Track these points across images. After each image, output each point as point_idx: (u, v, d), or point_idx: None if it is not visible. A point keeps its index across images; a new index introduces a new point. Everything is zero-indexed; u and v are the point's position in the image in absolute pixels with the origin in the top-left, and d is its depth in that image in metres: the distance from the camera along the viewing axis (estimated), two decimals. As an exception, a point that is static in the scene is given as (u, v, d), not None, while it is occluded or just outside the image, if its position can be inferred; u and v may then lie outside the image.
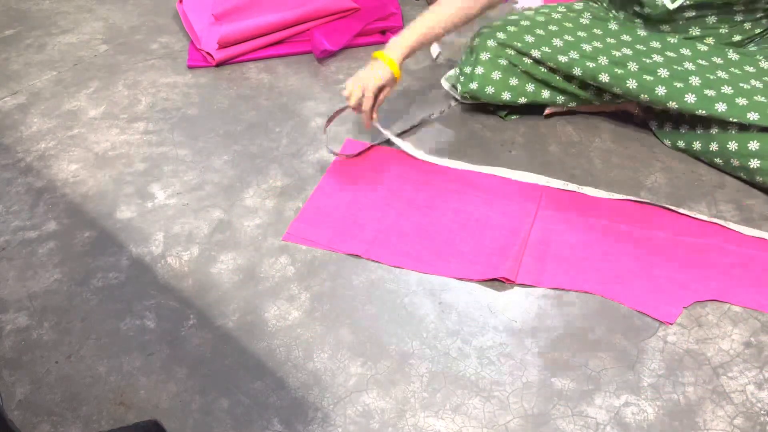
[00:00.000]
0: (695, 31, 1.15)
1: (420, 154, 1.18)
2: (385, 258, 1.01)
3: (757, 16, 1.12)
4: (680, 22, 1.15)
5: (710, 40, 1.14)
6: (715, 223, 1.03)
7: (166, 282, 0.99)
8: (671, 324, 0.90)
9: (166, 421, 0.80)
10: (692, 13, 1.13)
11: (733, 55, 1.12)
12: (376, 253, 1.02)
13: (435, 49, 1.29)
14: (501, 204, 1.09)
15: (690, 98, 1.07)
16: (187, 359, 0.88)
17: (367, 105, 1.13)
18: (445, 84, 1.33)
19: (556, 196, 1.11)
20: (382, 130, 1.18)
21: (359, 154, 1.21)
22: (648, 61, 1.11)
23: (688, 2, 1.10)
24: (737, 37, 1.14)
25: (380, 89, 1.14)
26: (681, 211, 1.05)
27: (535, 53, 1.18)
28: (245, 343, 0.90)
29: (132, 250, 1.04)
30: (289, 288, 0.97)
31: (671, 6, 1.12)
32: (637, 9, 1.18)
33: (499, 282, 0.97)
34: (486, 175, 1.16)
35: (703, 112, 1.07)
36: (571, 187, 1.11)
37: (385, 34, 1.58)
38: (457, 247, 1.02)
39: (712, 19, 1.13)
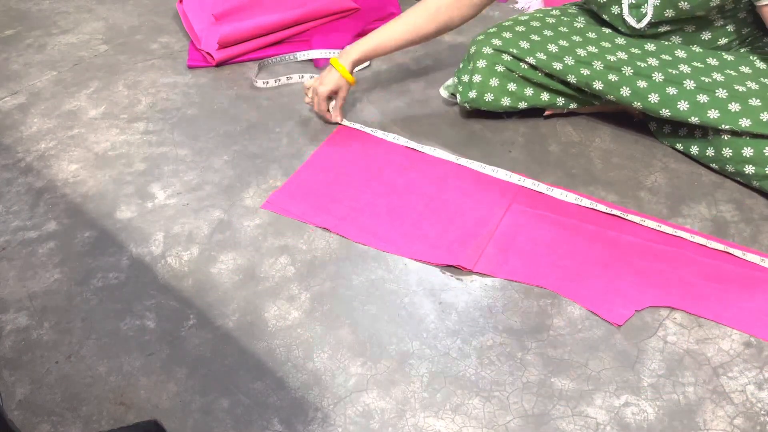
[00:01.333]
0: (677, 40, 1.15)
1: (393, 137, 1.24)
2: (351, 234, 1.05)
3: (740, 16, 1.10)
4: (659, 37, 1.15)
5: (696, 48, 1.14)
6: (681, 237, 1.02)
7: (166, 282, 0.99)
8: (619, 326, 0.90)
9: (166, 421, 0.80)
10: (667, 27, 1.13)
11: (728, 56, 1.12)
12: (344, 229, 1.06)
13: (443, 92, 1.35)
14: (477, 195, 1.11)
15: (683, 105, 1.07)
16: (187, 359, 0.88)
17: (318, 108, 1.26)
18: (444, 93, 1.33)
19: (532, 192, 1.12)
20: (350, 124, 1.29)
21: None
22: (643, 65, 1.11)
23: (654, 20, 1.10)
24: (723, 40, 1.13)
25: (334, 92, 1.25)
26: (646, 223, 1.04)
27: (531, 60, 1.18)
28: (245, 343, 0.90)
29: (132, 250, 1.04)
30: (289, 288, 0.97)
31: (638, 26, 1.13)
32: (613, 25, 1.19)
33: (498, 282, 0.97)
34: (466, 167, 1.18)
35: (696, 119, 1.07)
36: (541, 188, 1.11)
37: (385, 34, 1.58)
38: (423, 231, 1.05)
39: (690, 28, 1.12)
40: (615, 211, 1.06)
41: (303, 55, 1.51)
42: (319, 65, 1.49)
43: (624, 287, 0.95)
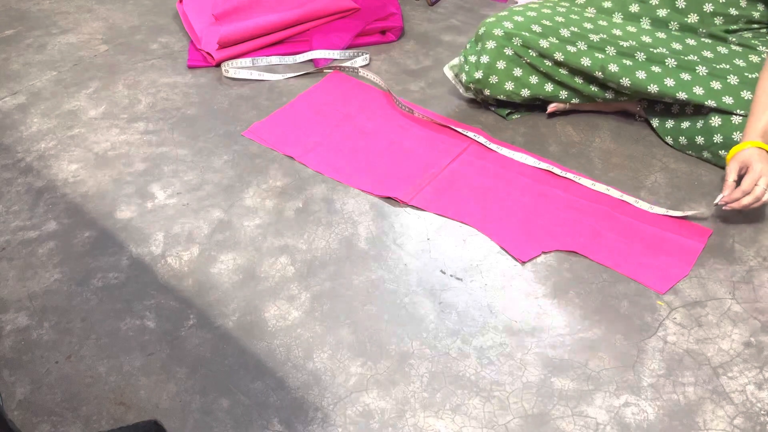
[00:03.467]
0: (708, 8, 1.15)
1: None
2: (312, 164, 1.19)
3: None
4: None
5: (705, 39, 1.14)
6: (610, 195, 1.10)
7: (166, 282, 0.99)
8: (523, 262, 0.99)
9: (166, 421, 0.80)
10: None
11: (736, 47, 1.13)
12: (307, 159, 1.20)
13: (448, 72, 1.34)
14: (434, 143, 1.23)
15: (698, 90, 1.10)
16: (187, 359, 0.88)
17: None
18: (448, 73, 1.32)
19: (483, 146, 1.22)
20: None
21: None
22: (655, 51, 1.13)
23: None
24: (737, 15, 1.15)
25: None
26: (581, 181, 1.12)
27: (543, 43, 1.17)
28: (245, 343, 0.90)
29: (132, 250, 1.04)
30: (289, 288, 0.97)
31: None
32: None
33: (498, 282, 0.97)
34: (437, 121, 1.28)
35: (713, 103, 1.09)
36: (492, 146, 1.21)
37: (385, 34, 1.58)
38: (375, 167, 1.18)
39: None
40: (554, 169, 1.14)
41: (303, 55, 1.51)
42: (319, 65, 1.49)
43: (537, 231, 1.04)
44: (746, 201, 0.98)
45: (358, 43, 1.56)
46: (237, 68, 1.47)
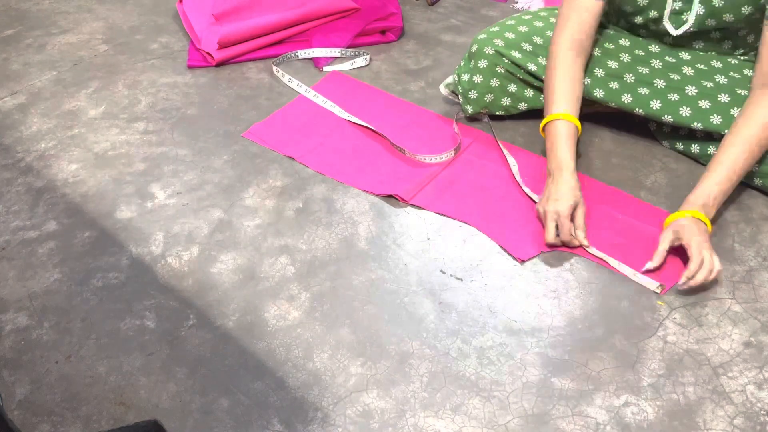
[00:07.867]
0: (699, 45, 1.15)
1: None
2: (313, 165, 1.19)
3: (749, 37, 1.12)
4: (685, 44, 1.15)
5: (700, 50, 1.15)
6: (614, 188, 1.13)
7: (166, 282, 0.99)
8: (522, 261, 0.99)
9: (166, 421, 0.80)
10: (698, 38, 1.13)
11: (732, 59, 1.12)
12: (308, 159, 1.21)
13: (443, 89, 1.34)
14: (434, 142, 1.24)
15: (685, 111, 1.09)
16: (187, 359, 0.88)
17: (568, 235, 0.99)
18: (444, 90, 1.33)
19: (484, 145, 1.23)
20: (596, 253, 1.01)
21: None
22: (645, 71, 1.12)
23: (694, 29, 1.09)
24: (739, 51, 1.14)
25: (573, 208, 1.01)
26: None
27: (531, 66, 1.17)
28: (245, 343, 0.90)
29: (132, 250, 1.04)
30: (289, 288, 0.97)
31: (675, 33, 1.11)
32: (642, 33, 1.18)
33: (498, 282, 0.97)
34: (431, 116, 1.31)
35: (699, 125, 1.08)
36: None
37: (385, 34, 1.58)
38: (376, 167, 1.19)
39: (716, 35, 1.12)
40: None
41: (304, 53, 1.51)
42: (318, 64, 1.49)
43: (537, 230, 1.04)
44: (701, 277, 0.91)
45: (358, 43, 1.56)
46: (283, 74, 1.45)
